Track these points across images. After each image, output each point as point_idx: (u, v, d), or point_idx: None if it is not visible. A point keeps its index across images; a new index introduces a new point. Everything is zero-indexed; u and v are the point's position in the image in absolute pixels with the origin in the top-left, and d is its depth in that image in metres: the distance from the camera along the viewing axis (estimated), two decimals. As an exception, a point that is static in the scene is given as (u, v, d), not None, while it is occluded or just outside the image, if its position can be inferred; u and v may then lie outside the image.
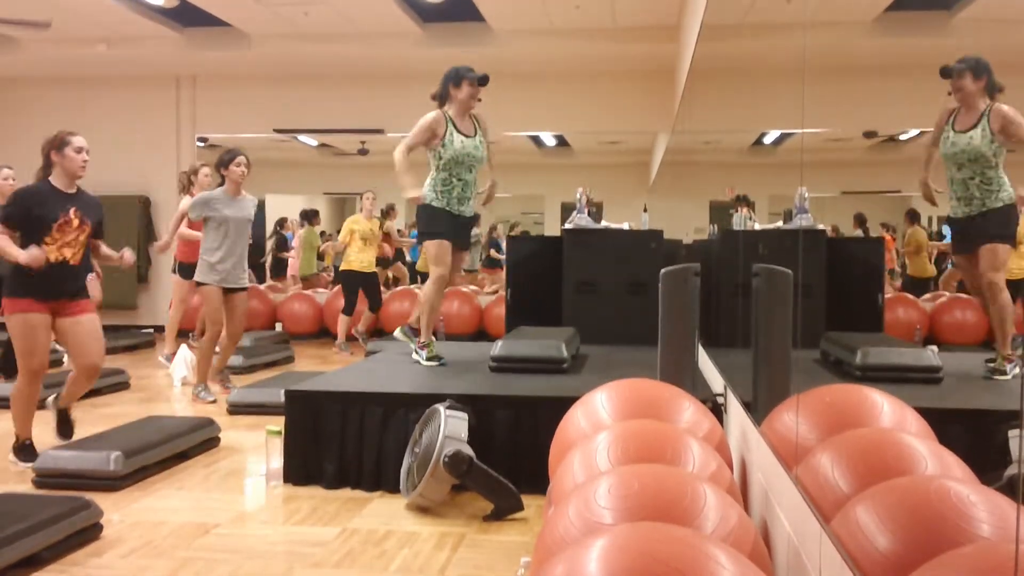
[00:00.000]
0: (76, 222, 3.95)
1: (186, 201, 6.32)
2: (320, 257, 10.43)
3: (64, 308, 3.97)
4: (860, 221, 2.37)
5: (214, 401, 5.53)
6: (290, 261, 10.67)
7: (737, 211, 4.99)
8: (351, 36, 8.65)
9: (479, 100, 4.53)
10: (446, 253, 4.50)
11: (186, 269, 6.55)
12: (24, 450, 4.04)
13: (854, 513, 1.49)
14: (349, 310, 8.15)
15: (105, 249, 4.20)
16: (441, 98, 4.57)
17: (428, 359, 4.53)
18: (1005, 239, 1.62)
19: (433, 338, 4.63)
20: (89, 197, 4.09)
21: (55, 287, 3.92)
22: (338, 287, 9.54)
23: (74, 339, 4.02)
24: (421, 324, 4.58)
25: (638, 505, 1.70)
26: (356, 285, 8.04)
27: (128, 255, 4.28)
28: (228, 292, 5.46)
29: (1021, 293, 1.61)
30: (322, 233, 10.72)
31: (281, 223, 10.83)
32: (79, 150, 3.96)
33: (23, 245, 3.86)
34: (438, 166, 4.47)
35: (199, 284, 5.48)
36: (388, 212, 9.51)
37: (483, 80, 4.52)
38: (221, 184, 5.54)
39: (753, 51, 3.41)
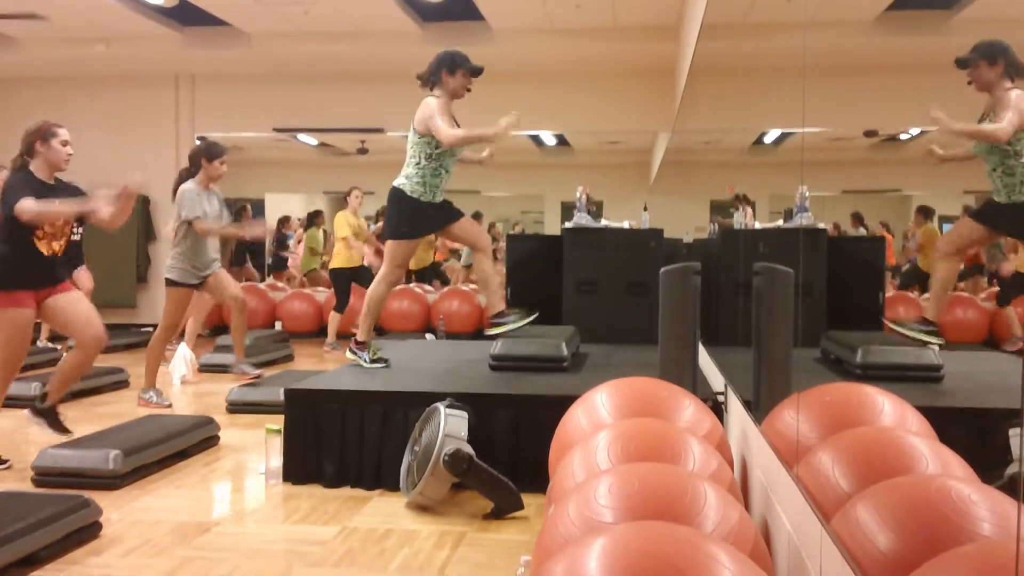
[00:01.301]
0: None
1: None
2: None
3: (50, 293, 3.97)
4: (859, 220, 2.37)
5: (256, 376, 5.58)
6: (290, 259, 10.69)
7: (738, 209, 4.99)
8: (351, 35, 8.65)
9: (468, 91, 4.35)
10: (409, 255, 4.41)
11: None
12: None
13: (855, 512, 1.48)
14: (341, 307, 8.10)
15: (100, 212, 3.93)
16: (431, 82, 4.32)
17: (372, 361, 4.33)
18: (1002, 229, 1.59)
19: (376, 337, 4.44)
20: (68, 186, 4.04)
21: (45, 278, 3.92)
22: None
23: (73, 313, 3.97)
24: (362, 326, 4.37)
25: (638, 504, 1.70)
26: (347, 282, 8.00)
27: (132, 185, 4.00)
28: (204, 280, 5.39)
29: None
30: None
31: (283, 221, 10.83)
32: (65, 143, 3.94)
33: (6, 239, 3.79)
34: (429, 155, 4.23)
35: (174, 284, 5.30)
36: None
37: (478, 72, 4.37)
38: (189, 174, 5.39)
39: (753, 51, 3.41)
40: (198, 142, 10.02)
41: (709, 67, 4.91)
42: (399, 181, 4.29)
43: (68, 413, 5.13)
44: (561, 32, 8.41)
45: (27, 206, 3.72)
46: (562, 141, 10.87)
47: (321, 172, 12.61)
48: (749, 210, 4.83)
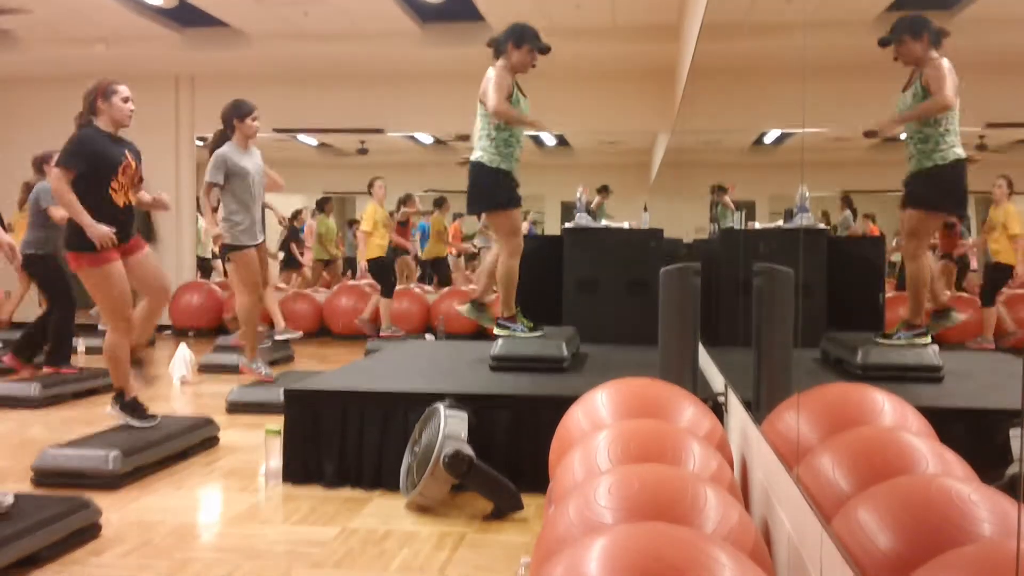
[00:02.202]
0: (134, 165, 4.04)
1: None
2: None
3: (128, 250, 4.07)
4: (847, 203, 2.37)
5: (271, 378, 5.33)
6: (305, 254, 10.75)
7: (718, 200, 5.03)
8: (350, 36, 8.65)
9: (533, 66, 4.33)
10: (517, 222, 4.32)
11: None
12: (133, 408, 4.13)
13: (855, 512, 1.48)
14: (388, 292, 8.32)
15: (144, 194, 4.24)
16: (497, 50, 4.30)
17: (530, 329, 4.37)
18: (927, 205, 1.55)
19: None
20: (129, 142, 4.13)
21: (124, 232, 4.00)
22: (337, 287, 9.59)
23: (144, 272, 4.11)
24: (504, 301, 4.35)
25: (638, 504, 1.70)
26: (389, 266, 8.34)
27: (165, 198, 4.37)
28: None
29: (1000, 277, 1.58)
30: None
31: (295, 215, 10.87)
32: (126, 99, 4.04)
33: (84, 193, 3.85)
34: (497, 125, 4.17)
35: (234, 250, 5.04)
36: (407, 200, 9.54)
37: (545, 49, 4.35)
38: (225, 138, 5.16)
39: (753, 51, 3.41)
40: (198, 144, 10.10)
41: (709, 67, 4.91)
42: (476, 155, 4.23)
43: (68, 414, 5.14)
44: (561, 32, 8.39)
45: (61, 179, 3.83)
46: (562, 141, 10.89)
47: (321, 172, 12.63)
48: (727, 198, 4.88)
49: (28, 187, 6.42)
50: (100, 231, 3.84)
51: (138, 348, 4.38)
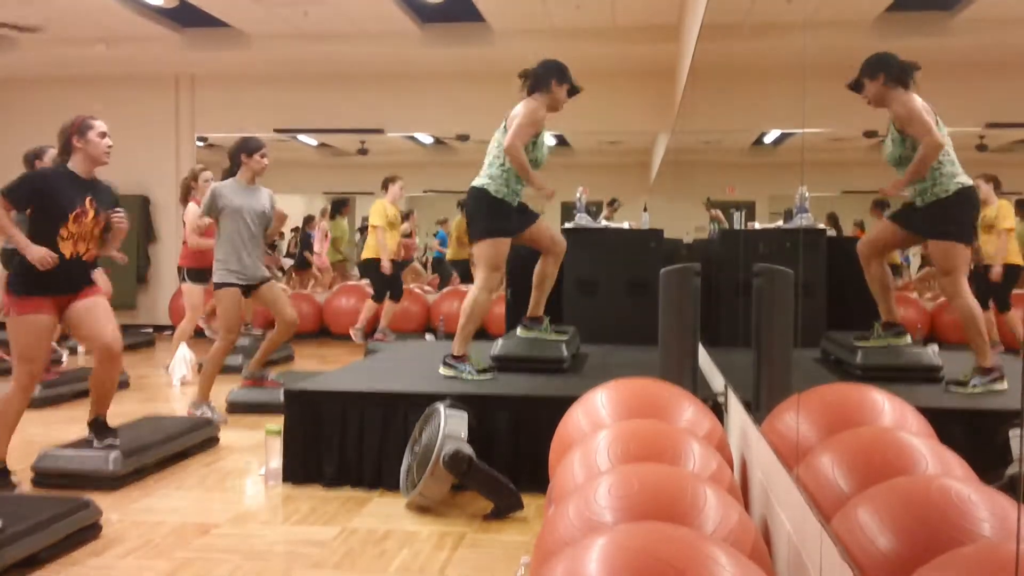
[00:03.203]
0: (92, 213, 3.64)
1: (192, 208, 6.10)
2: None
3: (72, 299, 3.67)
4: (832, 220, 2.39)
5: (224, 422, 4.98)
6: (316, 259, 10.75)
7: (711, 214, 5.09)
8: (350, 36, 8.65)
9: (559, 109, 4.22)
10: (504, 255, 4.10)
11: (197, 275, 6.37)
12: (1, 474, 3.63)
13: (855, 512, 1.48)
14: (397, 297, 7.92)
15: (110, 247, 3.86)
16: (536, 86, 4.11)
17: (480, 371, 4.07)
18: (943, 235, 1.55)
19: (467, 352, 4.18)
20: (103, 186, 3.76)
21: (68, 284, 3.63)
22: (337, 287, 9.59)
23: (88, 320, 3.66)
24: (460, 337, 4.13)
25: (638, 504, 1.70)
26: (397, 269, 7.88)
27: (122, 256, 4.17)
28: (254, 289, 4.97)
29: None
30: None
31: (308, 221, 10.88)
32: (103, 135, 3.68)
33: (33, 233, 3.54)
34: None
35: (217, 286, 4.94)
36: (408, 216, 9.46)
37: (577, 91, 4.28)
38: (231, 174, 5.03)
39: (753, 51, 3.41)
40: (199, 144, 10.11)
41: (709, 67, 4.91)
42: (482, 182, 4.05)
43: (68, 414, 5.15)
44: (561, 32, 8.41)
45: None
46: (562, 141, 10.87)
47: (321, 172, 12.62)
48: (718, 212, 4.92)
49: None
50: (36, 252, 3.46)
51: (97, 412, 3.85)
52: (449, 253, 10.49)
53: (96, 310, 3.68)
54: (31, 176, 3.73)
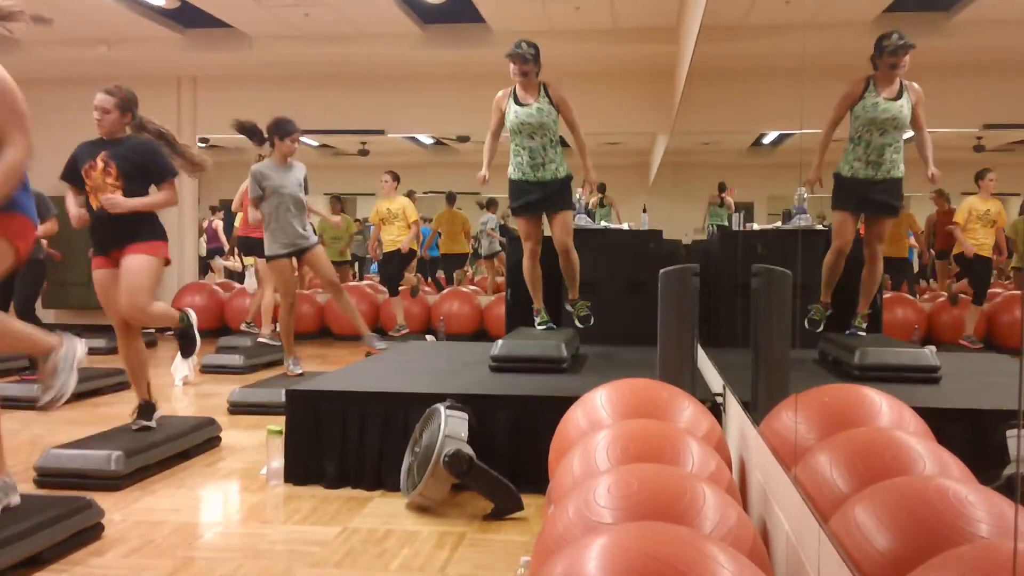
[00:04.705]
0: (101, 166, 3.90)
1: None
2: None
3: (119, 255, 3.95)
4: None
5: (301, 374, 5.69)
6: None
7: (718, 200, 5.15)
8: (351, 37, 8.66)
9: (524, 75, 4.60)
10: (528, 229, 4.73)
11: (255, 245, 6.93)
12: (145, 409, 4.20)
13: (852, 512, 1.49)
14: (394, 290, 8.42)
15: (113, 198, 3.89)
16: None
17: (540, 323, 4.85)
18: (895, 211, 1.68)
19: (542, 307, 4.91)
20: (133, 142, 4.02)
21: (106, 238, 3.98)
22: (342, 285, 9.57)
23: (112, 290, 3.97)
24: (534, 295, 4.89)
25: (637, 504, 1.71)
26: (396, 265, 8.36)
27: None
28: (302, 254, 5.56)
29: (974, 269, 1.62)
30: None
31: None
32: (95, 108, 4.07)
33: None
34: (510, 133, 4.68)
35: (269, 259, 5.57)
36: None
37: (513, 56, 4.62)
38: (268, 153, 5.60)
39: (752, 52, 3.42)
40: (200, 145, 10.11)
41: (708, 69, 4.92)
42: (566, 171, 4.76)
43: (69, 414, 5.15)
44: (561, 34, 8.42)
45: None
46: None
47: (322, 173, 12.58)
48: (730, 200, 5.04)
49: None
50: (72, 211, 4.06)
51: (137, 394, 4.29)
52: (443, 247, 10.48)
53: (124, 276, 3.89)
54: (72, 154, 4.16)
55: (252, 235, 7.09)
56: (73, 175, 4.04)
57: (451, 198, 10.08)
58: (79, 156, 4.05)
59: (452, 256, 10.42)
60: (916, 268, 2.40)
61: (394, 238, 8.20)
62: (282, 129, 5.51)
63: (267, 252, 5.57)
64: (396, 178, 8.26)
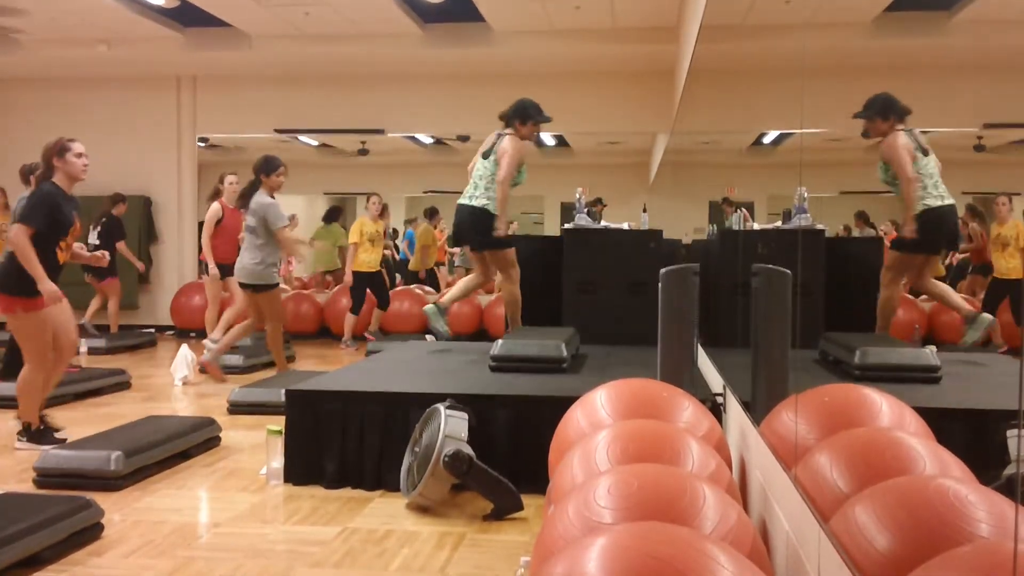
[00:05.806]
0: (79, 226, 4.29)
1: (214, 207, 7.01)
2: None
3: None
4: (864, 220, 2.39)
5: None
6: (283, 267, 10.75)
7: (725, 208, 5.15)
8: (351, 37, 8.65)
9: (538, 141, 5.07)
10: (515, 256, 5.22)
11: (225, 269, 7.02)
12: (42, 435, 4.30)
13: (853, 512, 1.49)
14: (356, 309, 8.35)
15: (80, 249, 4.51)
16: (507, 123, 5.06)
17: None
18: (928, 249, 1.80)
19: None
20: (77, 201, 4.32)
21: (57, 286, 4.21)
22: (337, 288, 9.59)
23: (61, 321, 4.27)
24: (509, 318, 5.29)
25: (637, 504, 1.71)
26: (364, 285, 8.28)
27: (99, 255, 4.66)
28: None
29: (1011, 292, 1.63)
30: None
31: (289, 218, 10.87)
32: (79, 155, 4.18)
33: (37, 244, 4.04)
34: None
35: (266, 288, 5.95)
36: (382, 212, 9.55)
37: (547, 121, 5.23)
38: (254, 189, 5.97)
39: (752, 52, 3.42)
40: (200, 145, 10.11)
41: (708, 68, 4.92)
42: (482, 202, 4.95)
43: (70, 414, 5.15)
44: (561, 33, 8.42)
45: (21, 234, 4.01)
46: (562, 142, 10.88)
47: (322, 173, 12.62)
48: (746, 212, 5.00)
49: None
50: (50, 288, 4.05)
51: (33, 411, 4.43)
52: (412, 263, 10.33)
53: (68, 311, 4.34)
54: (42, 197, 4.16)
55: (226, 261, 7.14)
56: (55, 228, 4.12)
57: (430, 213, 10.09)
58: (64, 213, 4.14)
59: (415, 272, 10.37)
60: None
61: (375, 259, 8.28)
62: (268, 165, 5.95)
63: (266, 280, 5.96)
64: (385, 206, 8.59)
